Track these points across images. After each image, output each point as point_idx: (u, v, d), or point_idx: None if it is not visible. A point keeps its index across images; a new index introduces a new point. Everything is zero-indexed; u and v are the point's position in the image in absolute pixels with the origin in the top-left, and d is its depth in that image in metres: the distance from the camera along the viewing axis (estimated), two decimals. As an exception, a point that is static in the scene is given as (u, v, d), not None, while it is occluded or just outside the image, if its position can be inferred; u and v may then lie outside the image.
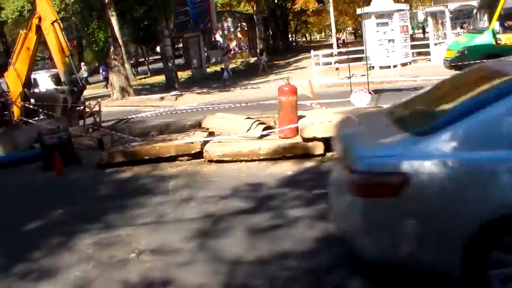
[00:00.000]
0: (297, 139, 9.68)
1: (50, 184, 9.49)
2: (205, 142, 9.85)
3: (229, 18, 44.61)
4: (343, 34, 70.01)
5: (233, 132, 10.17)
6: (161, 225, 6.72)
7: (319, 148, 9.25)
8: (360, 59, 25.42)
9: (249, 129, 10.09)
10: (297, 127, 9.85)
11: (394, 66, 23.77)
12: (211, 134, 10.71)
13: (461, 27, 25.61)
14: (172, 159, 9.90)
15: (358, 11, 27.36)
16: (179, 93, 20.60)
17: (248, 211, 6.94)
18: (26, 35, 14.00)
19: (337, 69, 24.10)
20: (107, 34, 21.20)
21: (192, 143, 9.91)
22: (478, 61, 10.19)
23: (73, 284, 5.28)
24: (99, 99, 14.87)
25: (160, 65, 31.72)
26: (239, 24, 41.93)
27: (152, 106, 18.28)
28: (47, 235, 6.70)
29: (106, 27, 21.47)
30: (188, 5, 28.08)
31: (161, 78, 31.37)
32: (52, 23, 13.52)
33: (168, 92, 21.54)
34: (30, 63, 14.45)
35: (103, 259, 5.80)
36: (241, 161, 9.47)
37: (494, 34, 14.90)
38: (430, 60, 26.05)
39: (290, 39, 58.65)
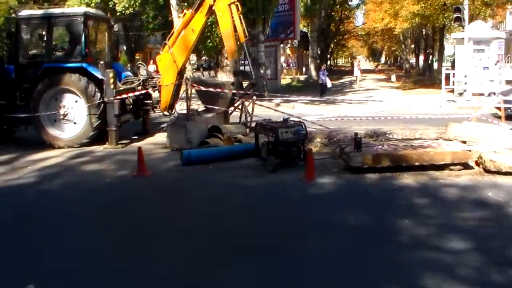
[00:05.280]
0: None
1: (320, 190, 8.01)
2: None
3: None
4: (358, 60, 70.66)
5: (497, 143, 9.04)
6: None
7: None
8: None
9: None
10: None
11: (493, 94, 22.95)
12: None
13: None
14: (441, 167, 8.75)
15: (454, 35, 26.47)
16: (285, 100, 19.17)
17: None
18: (192, 15, 12.43)
19: (460, 93, 23.22)
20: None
21: (469, 150, 8.63)
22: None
23: None
24: (254, 97, 13.34)
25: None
26: (290, 40, 40.65)
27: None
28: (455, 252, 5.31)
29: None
30: (270, 13, 26.77)
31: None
32: (229, 5, 12.08)
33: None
34: (192, 47, 12.87)
35: None
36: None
37: None
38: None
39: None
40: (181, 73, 12.96)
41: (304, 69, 46.64)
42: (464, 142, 9.69)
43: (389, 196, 7.52)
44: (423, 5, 27.45)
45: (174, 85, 12.78)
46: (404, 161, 8.56)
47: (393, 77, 38.50)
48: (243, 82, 12.69)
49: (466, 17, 21.83)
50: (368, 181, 8.29)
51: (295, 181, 8.35)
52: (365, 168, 8.61)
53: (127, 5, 25.27)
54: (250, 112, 13.31)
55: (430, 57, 42.17)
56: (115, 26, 13.92)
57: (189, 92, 11.78)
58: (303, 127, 9.24)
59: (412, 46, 48.62)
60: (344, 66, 70.57)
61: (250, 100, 13.23)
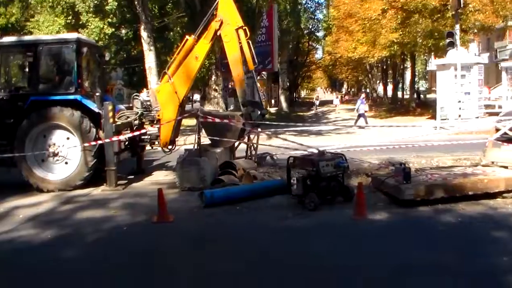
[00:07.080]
0: None
1: (380, 228, 7.22)
2: None
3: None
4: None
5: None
6: None
7: None
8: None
9: None
10: None
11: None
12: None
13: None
14: (492, 196, 8.20)
15: (435, 61, 26.56)
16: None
17: None
18: (194, 41, 11.56)
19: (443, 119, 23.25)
20: (211, 60, 18.65)
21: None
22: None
23: None
24: (259, 129, 12.48)
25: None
26: (259, 72, 40.27)
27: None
28: None
29: (214, 53, 18.83)
30: (247, 44, 26.18)
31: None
32: (237, 29, 11.30)
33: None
34: (194, 76, 11.92)
35: None
36: None
37: None
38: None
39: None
40: (182, 105, 12.00)
41: (273, 101, 46.37)
42: (505, 167, 9.16)
43: (460, 230, 6.85)
44: (401, 32, 27.58)
45: (176, 118, 11.78)
46: (458, 190, 7.95)
47: (366, 107, 38.49)
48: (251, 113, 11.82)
49: (458, 42, 21.84)
50: (426, 215, 7.59)
51: (347, 220, 7.55)
52: (417, 201, 7.89)
53: (97, 38, 24.25)
54: (255, 146, 12.48)
55: (400, 85, 42.62)
56: (106, 55, 12.81)
57: (200, 125, 10.85)
58: (344, 159, 8.43)
59: (379, 74, 49.16)
60: (307, 98, 71.02)
61: (256, 132, 12.38)
